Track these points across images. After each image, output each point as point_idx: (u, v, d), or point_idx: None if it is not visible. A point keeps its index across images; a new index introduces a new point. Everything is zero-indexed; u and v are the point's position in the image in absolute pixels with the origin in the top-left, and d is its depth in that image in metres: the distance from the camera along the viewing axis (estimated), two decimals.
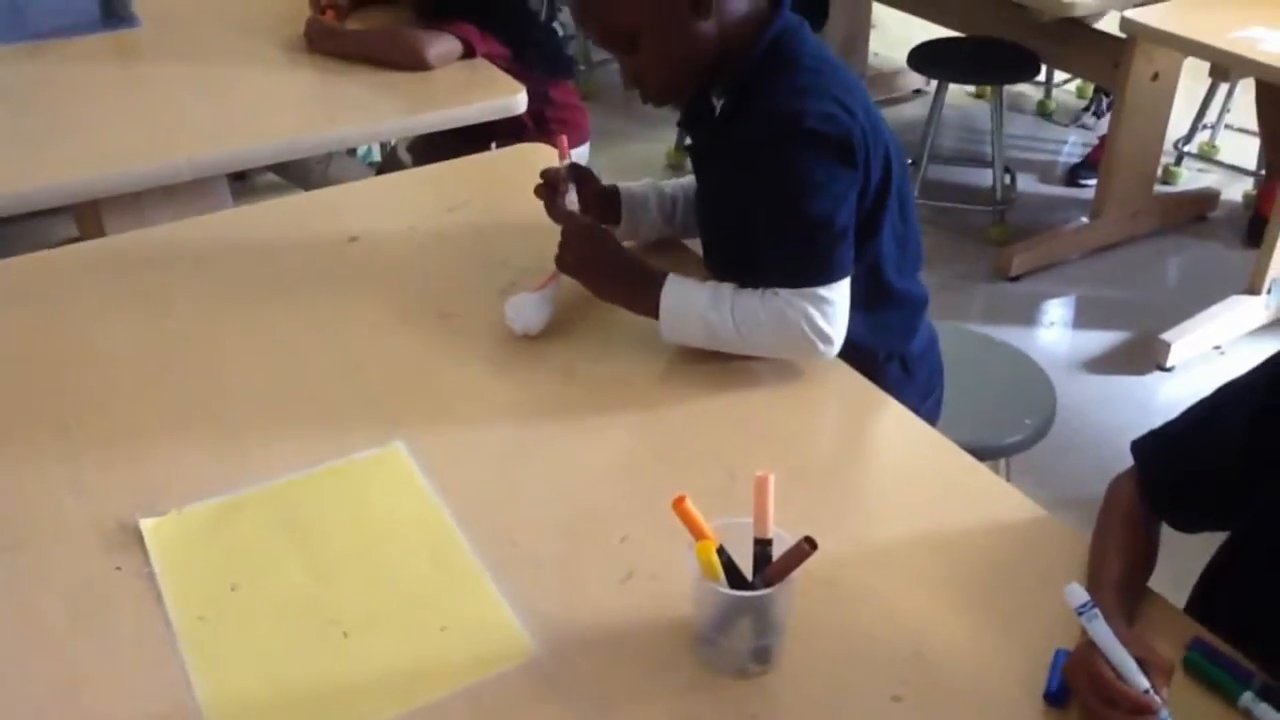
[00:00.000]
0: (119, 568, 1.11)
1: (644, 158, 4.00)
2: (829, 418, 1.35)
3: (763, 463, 1.28)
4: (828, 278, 1.32)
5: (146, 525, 1.15)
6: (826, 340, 1.32)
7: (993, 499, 1.22)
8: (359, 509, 1.19)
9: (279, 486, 1.21)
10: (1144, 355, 3.05)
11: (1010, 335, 3.08)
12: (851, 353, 1.42)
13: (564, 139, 1.61)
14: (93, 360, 1.42)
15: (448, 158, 2.38)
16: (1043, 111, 4.48)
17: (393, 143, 3.26)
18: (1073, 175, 3.96)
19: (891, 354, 1.48)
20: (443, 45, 2.24)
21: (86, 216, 2.50)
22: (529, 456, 1.27)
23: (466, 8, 2.28)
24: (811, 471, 1.27)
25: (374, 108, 2.16)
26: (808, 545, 0.93)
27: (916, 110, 4.38)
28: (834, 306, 1.32)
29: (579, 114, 2.62)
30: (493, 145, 2.43)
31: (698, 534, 0.97)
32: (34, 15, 2.48)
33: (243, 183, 3.51)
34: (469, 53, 2.29)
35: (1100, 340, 3.19)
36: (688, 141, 1.52)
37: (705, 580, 0.96)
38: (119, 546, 1.13)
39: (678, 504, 0.97)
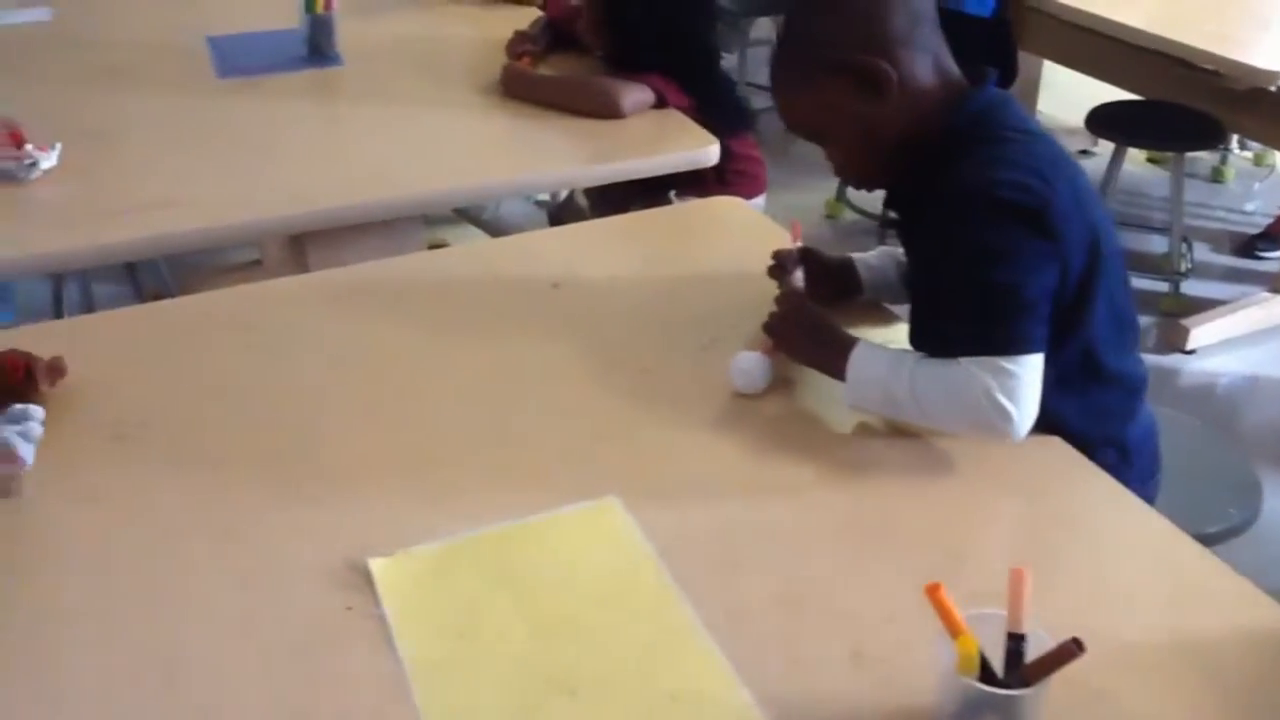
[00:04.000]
0: (350, 607, 1.13)
1: (802, 208, 3.98)
2: (1049, 501, 1.30)
3: (983, 546, 1.26)
4: (1012, 349, 1.26)
5: (376, 565, 1.17)
6: (1006, 416, 1.25)
7: (1234, 600, 1.16)
8: (578, 562, 1.19)
9: (497, 533, 1.22)
10: None
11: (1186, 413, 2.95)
12: (1065, 439, 1.37)
13: (797, 224, 1.63)
14: (303, 395, 1.46)
15: (625, 203, 2.41)
16: (1217, 178, 4.33)
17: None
18: (1249, 247, 3.81)
19: (1108, 440, 1.42)
20: (637, 95, 2.27)
21: (273, 247, 2.60)
22: (745, 521, 1.26)
23: (658, 60, 2.31)
24: (1034, 558, 1.22)
25: (567, 154, 2.20)
26: (1075, 647, 0.89)
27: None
28: (1019, 381, 1.25)
29: (758, 166, 2.62)
30: (671, 194, 2.46)
31: (951, 624, 0.94)
32: (249, 53, 2.59)
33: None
34: (659, 103, 2.31)
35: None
36: (892, 215, 1.50)
37: (958, 674, 0.93)
38: (349, 586, 1.15)
39: (933, 592, 0.94)
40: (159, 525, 1.23)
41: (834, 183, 4.08)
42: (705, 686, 1.04)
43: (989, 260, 1.25)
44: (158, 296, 2.97)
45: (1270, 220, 3.90)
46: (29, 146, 1.92)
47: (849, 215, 4.04)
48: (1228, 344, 3.32)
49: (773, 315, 1.48)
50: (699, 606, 1.13)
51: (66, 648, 1.08)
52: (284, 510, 1.26)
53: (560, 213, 2.88)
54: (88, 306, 3.11)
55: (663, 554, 1.20)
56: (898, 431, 1.38)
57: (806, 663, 1.07)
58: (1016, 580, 0.95)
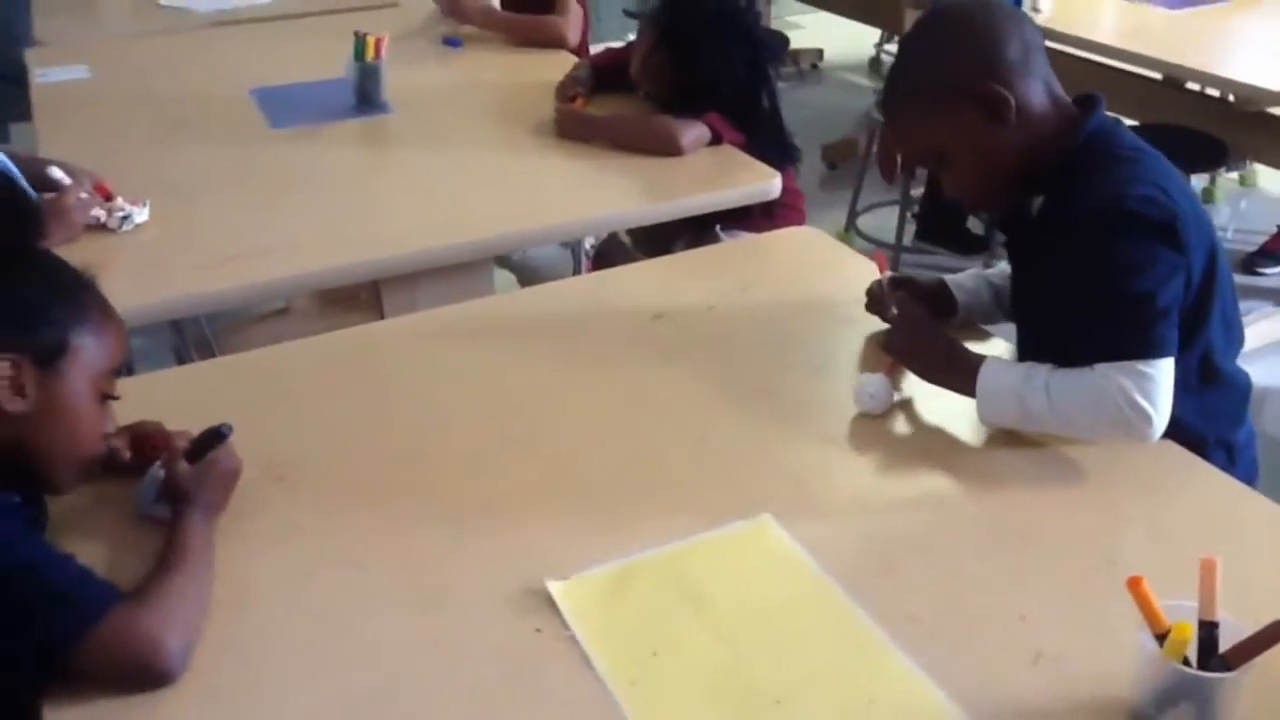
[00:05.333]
0: (539, 630, 1.16)
1: None
2: (1182, 502, 1.36)
3: (1129, 547, 1.31)
4: (1148, 353, 1.32)
5: (555, 588, 1.20)
6: (1145, 417, 1.31)
7: None
8: (747, 578, 1.23)
9: (664, 555, 1.26)
10: None
11: None
12: (1181, 437, 1.43)
13: (880, 255, 1.68)
14: (441, 429, 1.49)
15: (670, 240, 2.47)
16: (1206, 199, 4.47)
17: None
18: (1250, 263, 3.93)
19: (1220, 441, 1.49)
20: (695, 132, 2.33)
21: (300, 295, 2.65)
22: (895, 533, 1.30)
23: (716, 100, 2.37)
24: (1180, 557, 1.26)
25: (631, 191, 2.25)
26: None
27: None
28: (1155, 384, 1.32)
29: (799, 199, 2.68)
30: (717, 228, 2.51)
31: (1152, 614, 0.99)
32: (296, 104, 2.63)
33: None
34: (714, 140, 2.37)
35: None
36: (1002, 239, 1.57)
37: (1165, 659, 0.97)
38: (531, 609, 1.18)
39: (1134, 585, 0.99)
40: (341, 560, 1.25)
41: (841, 213, 4.18)
42: (901, 689, 1.09)
43: (1125, 272, 1.32)
44: (199, 346, 2.99)
45: (1266, 237, 4.03)
46: (119, 199, 1.95)
47: (860, 244, 4.13)
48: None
49: (890, 335, 1.54)
50: (875, 615, 1.17)
51: (274, 684, 1.10)
52: (452, 540, 1.29)
53: (606, 251, 2.93)
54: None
55: (825, 566, 1.24)
56: (1022, 442, 1.43)
57: (990, 665, 1.12)
58: (1208, 570, 1.00)
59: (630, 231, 2.92)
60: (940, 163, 1.47)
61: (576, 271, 3.51)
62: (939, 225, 3.85)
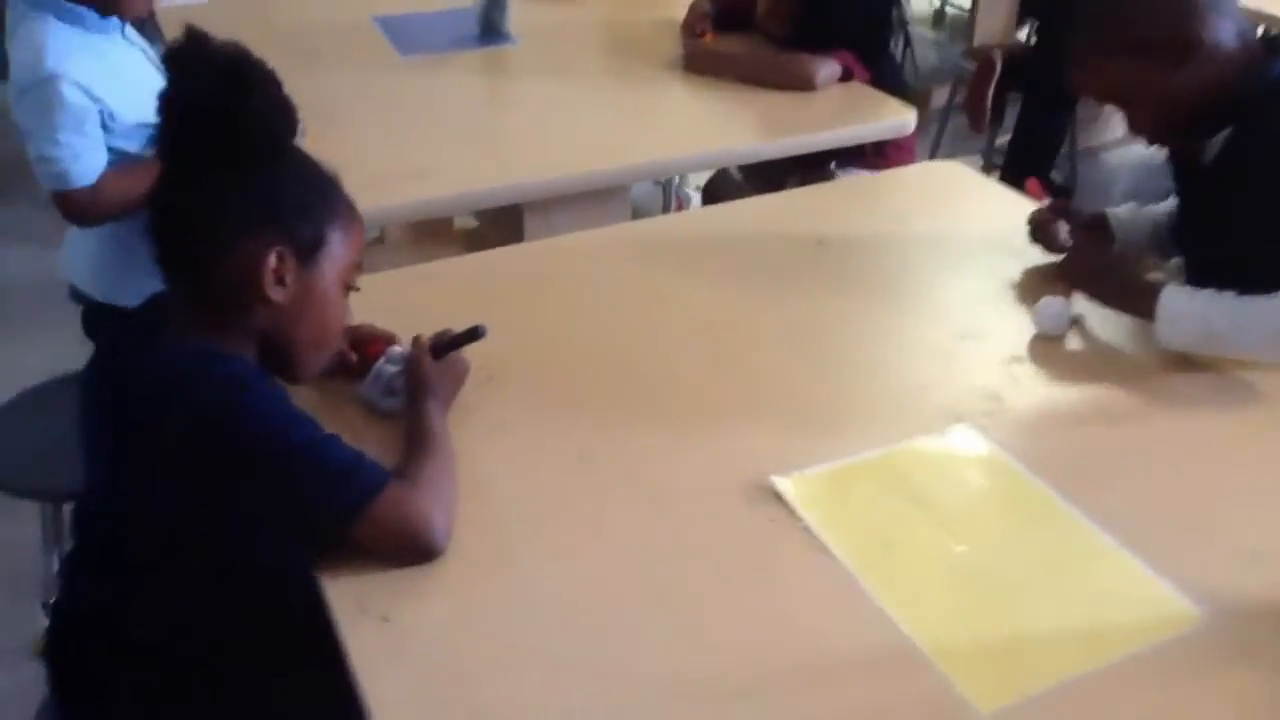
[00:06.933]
0: (772, 520, 1.22)
1: None
2: None
3: None
4: None
5: (781, 483, 1.26)
6: None
7: None
8: (962, 480, 1.29)
9: (877, 458, 1.32)
10: None
11: None
12: None
13: (1035, 183, 1.71)
14: (633, 336, 1.56)
15: (783, 176, 2.51)
16: None
17: None
18: None
19: None
20: (828, 69, 2.36)
21: (394, 225, 2.69)
22: (1096, 445, 1.36)
23: (846, 38, 2.40)
24: None
25: (766, 125, 2.28)
26: None
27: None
28: None
29: (912, 139, 2.72)
30: (832, 164, 2.55)
31: None
32: (425, 33, 2.67)
33: None
34: (845, 77, 2.41)
35: None
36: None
37: None
38: (761, 502, 1.24)
39: None
40: (562, 454, 1.32)
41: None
42: (1130, 583, 1.14)
43: None
44: None
45: None
46: None
47: None
48: None
49: (1066, 262, 1.58)
50: (1092, 518, 1.23)
51: (527, 562, 1.17)
52: (666, 438, 1.35)
53: (715, 187, 2.96)
54: None
55: (1033, 472, 1.29)
56: (1195, 366, 1.48)
57: (1208, 562, 1.17)
58: None
59: (742, 169, 2.96)
60: (1125, 101, 1.50)
61: (665, 210, 3.56)
62: (1023, 174, 3.88)
